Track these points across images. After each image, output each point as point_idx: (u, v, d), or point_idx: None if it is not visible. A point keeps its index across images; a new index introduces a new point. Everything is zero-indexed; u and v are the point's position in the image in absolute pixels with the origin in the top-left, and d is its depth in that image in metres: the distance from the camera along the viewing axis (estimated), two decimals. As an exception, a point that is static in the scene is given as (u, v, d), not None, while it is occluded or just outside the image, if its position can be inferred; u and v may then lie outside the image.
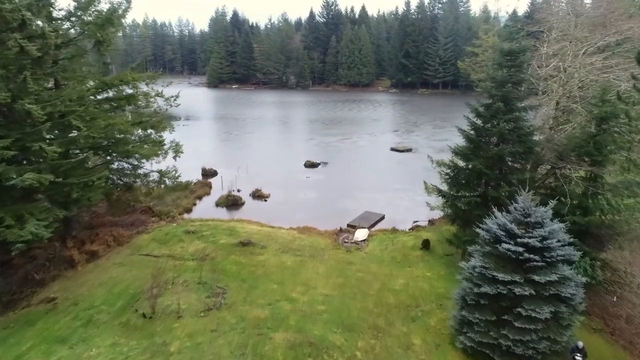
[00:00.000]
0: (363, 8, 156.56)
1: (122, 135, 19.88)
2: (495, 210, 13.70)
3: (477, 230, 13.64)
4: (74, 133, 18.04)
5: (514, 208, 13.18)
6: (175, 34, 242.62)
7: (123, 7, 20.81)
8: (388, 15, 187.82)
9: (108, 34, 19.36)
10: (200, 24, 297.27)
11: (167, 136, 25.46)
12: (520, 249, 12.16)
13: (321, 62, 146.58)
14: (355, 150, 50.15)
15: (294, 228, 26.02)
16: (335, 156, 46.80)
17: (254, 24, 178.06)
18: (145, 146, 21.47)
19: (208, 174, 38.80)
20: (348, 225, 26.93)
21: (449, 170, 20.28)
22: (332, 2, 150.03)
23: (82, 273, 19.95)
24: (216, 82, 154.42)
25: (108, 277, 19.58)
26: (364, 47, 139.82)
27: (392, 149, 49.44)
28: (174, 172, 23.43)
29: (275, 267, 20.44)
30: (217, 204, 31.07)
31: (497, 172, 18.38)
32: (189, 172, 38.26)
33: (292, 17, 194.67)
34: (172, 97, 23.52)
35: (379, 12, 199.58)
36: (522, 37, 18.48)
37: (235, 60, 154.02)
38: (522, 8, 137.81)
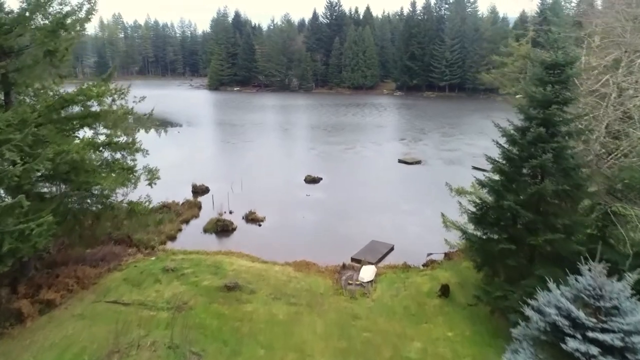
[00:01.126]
0: (367, 9, 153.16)
1: (81, 161, 16.42)
2: (551, 284, 10.14)
3: (527, 312, 10.12)
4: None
5: (577, 282, 9.74)
6: (177, 35, 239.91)
7: (85, 9, 17.44)
8: (393, 16, 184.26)
9: (62, 42, 16.01)
10: (203, 25, 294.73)
11: (152, 149, 22.00)
12: (594, 350, 8.70)
13: (324, 64, 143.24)
14: (360, 161, 46.67)
15: (289, 264, 22.56)
16: (338, 169, 43.35)
17: (256, 25, 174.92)
18: (113, 174, 18.04)
19: (199, 190, 35.43)
20: (352, 260, 23.47)
21: (474, 209, 16.73)
22: (336, 3, 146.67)
23: (32, 330, 16.56)
24: (217, 85, 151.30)
25: (61, 337, 16.18)
26: (368, 49, 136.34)
27: (400, 161, 45.92)
28: (146, 204, 19.96)
29: (264, 323, 16.98)
30: (205, 230, 27.67)
31: (536, 214, 14.85)
32: (178, 189, 35.07)
33: (295, 18, 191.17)
34: (146, 115, 20.08)
35: (383, 13, 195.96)
36: (567, 46, 14.87)
37: (236, 62, 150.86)
38: (532, 9, 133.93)
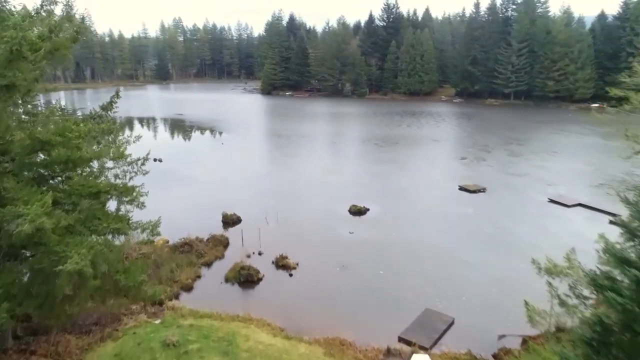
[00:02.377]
0: (427, 10, 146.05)
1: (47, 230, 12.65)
2: None
3: None
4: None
5: None
6: (234, 37, 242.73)
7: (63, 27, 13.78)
8: (453, 18, 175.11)
9: (25, 72, 12.35)
10: (259, 28, 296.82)
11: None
12: None
13: (379, 68, 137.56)
14: (414, 186, 41.16)
15: (319, 341, 17.92)
16: (389, 196, 38.15)
17: (311, 28, 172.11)
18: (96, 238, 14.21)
19: (229, 221, 31.62)
20: (400, 339, 18.45)
21: (593, 334, 11.20)
22: (394, 5, 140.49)
23: None
24: (269, 89, 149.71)
25: None
26: (426, 53, 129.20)
27: (461, 188, 39.95)
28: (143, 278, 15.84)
29: None
30: (227, 279, 23.62)
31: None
32: (208, 215, 31.65)
33: (351, 21, 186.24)
34: (139, 160, 16.17)
35: (444, 14, 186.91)
36: None
37: (289, 66, 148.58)
38: (614, 9, 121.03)
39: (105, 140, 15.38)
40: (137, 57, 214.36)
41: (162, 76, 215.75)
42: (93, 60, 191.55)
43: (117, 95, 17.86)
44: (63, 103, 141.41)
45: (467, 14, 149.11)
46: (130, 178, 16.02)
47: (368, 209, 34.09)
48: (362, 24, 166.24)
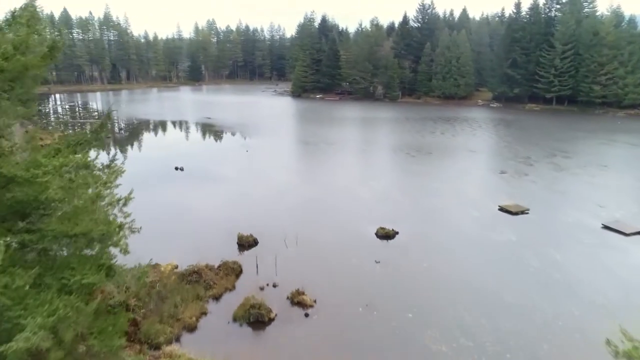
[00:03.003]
0: (464, 11, 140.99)
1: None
2: None
3: None
4: None
5: None
6: (266, 39, 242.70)
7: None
8: (492, 18, 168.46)
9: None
10: (292, 29, 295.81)
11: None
12: None
13: (412, 71, 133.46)
14: (449, 205, 37.65)
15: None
16: (420, 216, 34.87)
17: (343, 29, 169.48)
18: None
19: (245, 243, 29.16)
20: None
21: None
22: (429, 6, 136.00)
23: None
24: (300, 92, 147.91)
25: None
26: (462, 55, 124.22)
27: (501, 209, 36.18)
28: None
29: None
30: (235, 318, 21.07)
31: None
32: (223, 235, 29.46)
33: (384, 21, 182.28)
34: (121, 199, 13.72)
35: (482, 15, 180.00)
36: None
37: (320, 68, 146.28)
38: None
39: (82, 175, 12.93)
40: (171, 58, 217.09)
41: (194, 77, 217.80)
42: (128, 62, 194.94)
43: (109, 117, 15.47)
44: (99, 105, 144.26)
45: (507, 15, 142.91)
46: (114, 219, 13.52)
47: (397, 232, 30.93)
48: (396, 25, 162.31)
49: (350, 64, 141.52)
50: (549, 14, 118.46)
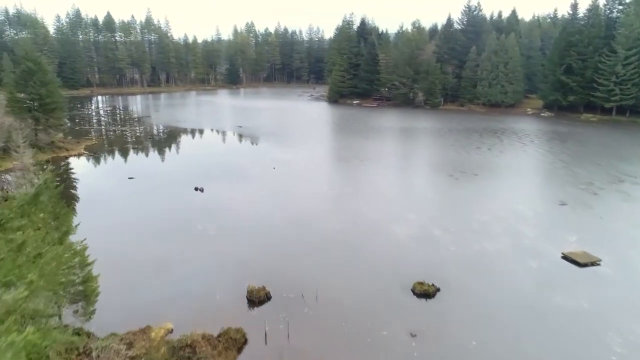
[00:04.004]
0: (513, 12, 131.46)
1: None
2: None
3: None
4: None
5: None
6: (305, 41, 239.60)
7: None
8: (543, 20, 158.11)
9: None
10: (331, 31, 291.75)
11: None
12: None
13: (456, 76, 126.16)
14: (498, 250, 31.91)
15: None
16: (464, 264, 29.41)
17: (383, 32, 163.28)
18: None
19: (255, 299, 24.75)
20: None
21: None
22: (475, 7, 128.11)
23: None
24: (336, 97, 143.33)
25: None
26: (511, 60, 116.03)
27: (565, 257, 30.17)
28: None
29: None
30: (229, 419, 16.73)
31: None
32: (232, 285, 25.37)
33: (426, 23, 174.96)
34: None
35: (533, 16, 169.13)
36: None
37: (357, 73, 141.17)
38: None
39: None
40: (210, 61, 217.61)
41: (232, 80, 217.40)
42: (168, 65, 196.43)
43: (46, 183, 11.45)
44: (139, 108, 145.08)
45: (560, 15, 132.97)
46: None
47: (438, 289, 25.72)
48: (439, 27, 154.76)
49: (390, 68, 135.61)
50: (609, 16, 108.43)
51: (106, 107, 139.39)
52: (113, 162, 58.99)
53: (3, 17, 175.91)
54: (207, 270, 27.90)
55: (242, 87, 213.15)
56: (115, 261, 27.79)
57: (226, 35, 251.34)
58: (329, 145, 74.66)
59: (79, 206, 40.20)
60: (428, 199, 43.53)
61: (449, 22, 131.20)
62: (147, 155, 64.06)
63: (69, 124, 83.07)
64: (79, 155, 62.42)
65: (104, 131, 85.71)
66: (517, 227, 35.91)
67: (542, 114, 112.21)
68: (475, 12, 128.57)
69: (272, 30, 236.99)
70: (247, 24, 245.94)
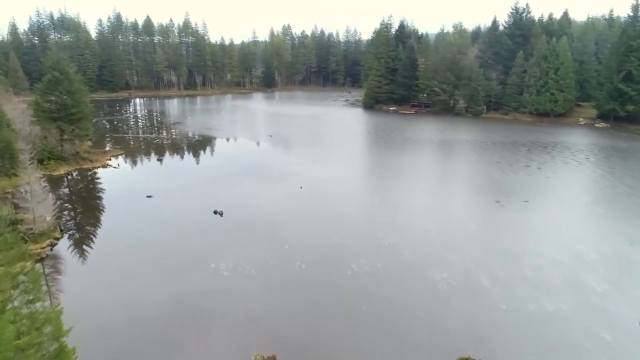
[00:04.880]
0: (565, 14, 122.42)
1: None
2: None
3: None
4: None
5: None
6: (341, 43, 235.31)
7: None
8: (597, 21, 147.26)
9: None
10: (368, 32, 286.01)
11: None
12: None
13: (500, 83, 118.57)
14: (561, 310, 26.54)
15: None
16: (519, 331, 24.36)
17: (423, 34, 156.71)
18: None
19: (264, 372, 20.77)
20: None
21: None
22: (523, 9, 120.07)
23: None
24: (372, 103, 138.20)
25: None
26: (562, 66, 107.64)
27: (644, 326, 24.56)
28: None
29: None
30: None
31: None
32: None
33: (469, 25, 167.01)
34: None
35: (587, 17, 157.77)
36: None
37: (395, 78, 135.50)
38: None
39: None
40: (245, 64, 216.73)
41: (267, 84, 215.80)
42: (204, 68, 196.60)
43: None
44: (175, 111, 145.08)
45: (616, 16, 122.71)
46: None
47: (487, 369, 20.87)
48: (482, 29, 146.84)
49: (429, 73, 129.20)
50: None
51: (142, 110, 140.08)
52: (134, 176, 56.62)
53: (48, 22, 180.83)
54: (210, 328, 24.10)
55: (277, 91, 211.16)
56: (99, 322, 24.46)
57: (263, 36, 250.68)
58: (362, 160, 70.02)
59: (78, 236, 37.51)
60: (472, 233, 38.27)
61: (495, 25, 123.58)
62: (170, 169, 61.41)
63: (107, 126, 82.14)
64: (102, 166, 60.57)
65: (133, 139, 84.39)
66: (581, 276, 30.29)
67: (596, 125, 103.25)
68: (523, 14, 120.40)
69: (308, 32, 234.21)
70: (283, 26, 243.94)
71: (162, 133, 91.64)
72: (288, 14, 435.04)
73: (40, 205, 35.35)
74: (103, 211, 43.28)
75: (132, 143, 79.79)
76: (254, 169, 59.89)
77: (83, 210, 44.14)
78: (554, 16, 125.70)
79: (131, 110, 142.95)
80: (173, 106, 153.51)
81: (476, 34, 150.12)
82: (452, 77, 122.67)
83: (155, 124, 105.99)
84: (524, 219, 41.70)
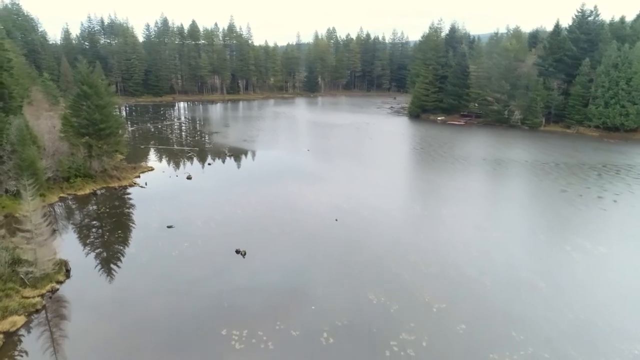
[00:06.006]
0: (639, 17, 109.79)
1: None
2: None
3: None
4: None
5: None
6: (387, 47, 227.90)
7: None
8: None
9: None
10: (416, 34, 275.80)
11: None
12: None
13: (562, 93, 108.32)
14: None
15: None
16: None
17: (475, 38, 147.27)
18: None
19: None
20: None
21: None
22: (591, 12, 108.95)
23: None
24: (418, 112, 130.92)
25: None
26: (636, 76, 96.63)
27: None
28: None
29: None
30: None
31: None
32: None
33: (527, 28, 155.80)
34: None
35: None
36: None
37: (444, 86, 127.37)
38: None
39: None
40: (289, 68, 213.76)
41: (310, 88, 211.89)
42: (248, 72, 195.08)
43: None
44: (218, 116, 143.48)
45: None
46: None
47: None
48: (539, 33, 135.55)
49: (482, 81, 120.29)
50: None
51: (183, 115, 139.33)
52: (159, 197, 52.57)
53: (98, 27, 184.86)
54: None
55: (320, 96, 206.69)
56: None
57: (307, 39, 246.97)
58: (406, 184, 63.40)
59: (77, 276, 33.63)
60: (541, 296, 31.22)
61: (557, 29, 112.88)
62: (196, 189, 57.31)
63: (152, 130, 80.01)
64: (129, 185, 57.54)
65: (167, 151, 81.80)
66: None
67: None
68: (590, 18, 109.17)
69: (353, 35, 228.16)
70: (328, 29, 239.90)
71: (198, 144, 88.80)
72: (333, 16, 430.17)
73: (44, 241, 31.76)
74: (118, 244, 39.52)
75: (165, 156, 77.09)
76: (284, 196, 54.86)
77: (97, 242, 40.59)
78: (626, 19, 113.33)
79: (175, 114, 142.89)
80: (215, 112, 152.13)
81: (534, 37, 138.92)
82: (507, 85, 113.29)
83: (194, 133, 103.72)
84: (607, 279, 34.13)
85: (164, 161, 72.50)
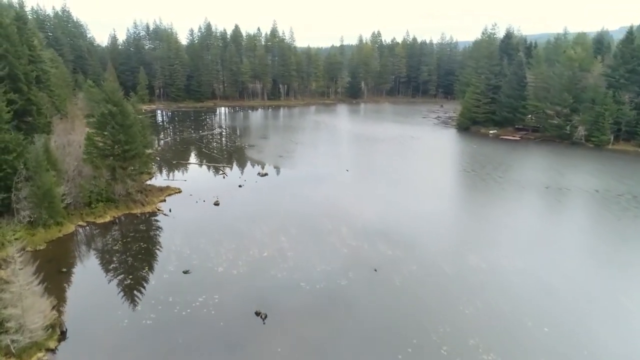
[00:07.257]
0: None
1: None
2: None
3: None
4: None
5: None
6: (435, 47, 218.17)
7: None
8: None
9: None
10: (465, 35, 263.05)
11: None
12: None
13: (635, 107, 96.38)
14: None
15: None
16: None
17: (533, 44, 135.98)
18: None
19: None
20: None
21: None
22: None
23: None
24: (468, 124, 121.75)
25: None
26: None
27: None
28: None
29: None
30: None
31: None
32: None
33: (590, 30, 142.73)
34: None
35: None
36: None
37: (497, 97, 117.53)
38: None
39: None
40: (331, 74, 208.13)
41: (353, 94, 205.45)
42: (289, 78, 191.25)
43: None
44: (259, 123, 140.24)
45: None
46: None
47: None
48: (603, 37, 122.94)
49: (540, 92, 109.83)
50: None
51: (224, 122, 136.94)
52: (181, 232, 47.64)
53: (144, 32, 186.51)
54: None
55: (363, 102, 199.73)
56: None
57: (350, 41, 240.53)
58: (456, 222, 54.66)
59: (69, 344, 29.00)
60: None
61: (630, 36, 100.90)
62: (221, 220, 52.34)
63: (193, 134, 76.74)
64: (152, 212, 53.60)
65: (198, 170, 78.05)
66: None
67: None
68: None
69: (399, 39, 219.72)
70: (372, 33, 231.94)
71: (232, 157, 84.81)
72: (379, 18, 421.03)
73: (31, 305, 27.45)
74: (125, 295, 34.98)
75: (196, 173, 73.24)
76: (317, 238, 49.00)
77: (100, 292, 36.19)
78: None
79: (215, 120, 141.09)
80: (255, 119, 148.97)
81: (598, 43, 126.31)
82: (570, 98, 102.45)
83: (230, 144, 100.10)
84: None
85: (194, 180, 68.48)
